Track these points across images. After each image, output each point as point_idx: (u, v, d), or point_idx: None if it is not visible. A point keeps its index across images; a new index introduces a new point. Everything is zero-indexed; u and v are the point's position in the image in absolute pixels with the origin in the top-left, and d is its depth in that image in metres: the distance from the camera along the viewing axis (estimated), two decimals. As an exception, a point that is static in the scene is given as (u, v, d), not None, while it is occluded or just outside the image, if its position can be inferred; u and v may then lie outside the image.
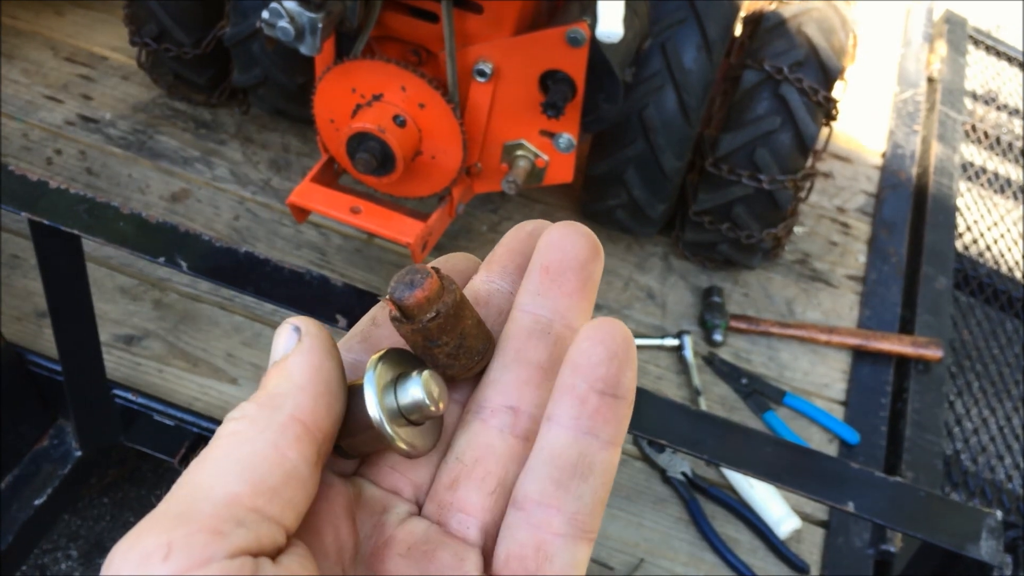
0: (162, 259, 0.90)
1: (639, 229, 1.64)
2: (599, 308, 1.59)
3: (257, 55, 1.54)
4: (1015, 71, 2.48)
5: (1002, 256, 1.94)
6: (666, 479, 1.39)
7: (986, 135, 2.22)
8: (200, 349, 1.41)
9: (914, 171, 2.02)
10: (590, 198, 1.61)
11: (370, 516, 0.33)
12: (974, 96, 2.32)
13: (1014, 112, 2.34)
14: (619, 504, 1.36)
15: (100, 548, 1.71)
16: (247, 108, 1.76)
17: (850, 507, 0.84)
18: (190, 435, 1.33)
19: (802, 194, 1.55)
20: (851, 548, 1.35)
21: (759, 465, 0.85)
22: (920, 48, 2.37)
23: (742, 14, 1.59)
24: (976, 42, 2.49)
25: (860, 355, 1.61)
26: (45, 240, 0.96)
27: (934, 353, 1.58)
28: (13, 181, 0.93)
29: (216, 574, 0.26)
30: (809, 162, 1.53)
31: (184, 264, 0.90)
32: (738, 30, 1.62)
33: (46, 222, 0.91)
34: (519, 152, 1.35)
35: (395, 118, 1.27)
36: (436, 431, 0.34)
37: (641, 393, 0.90)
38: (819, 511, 1.40)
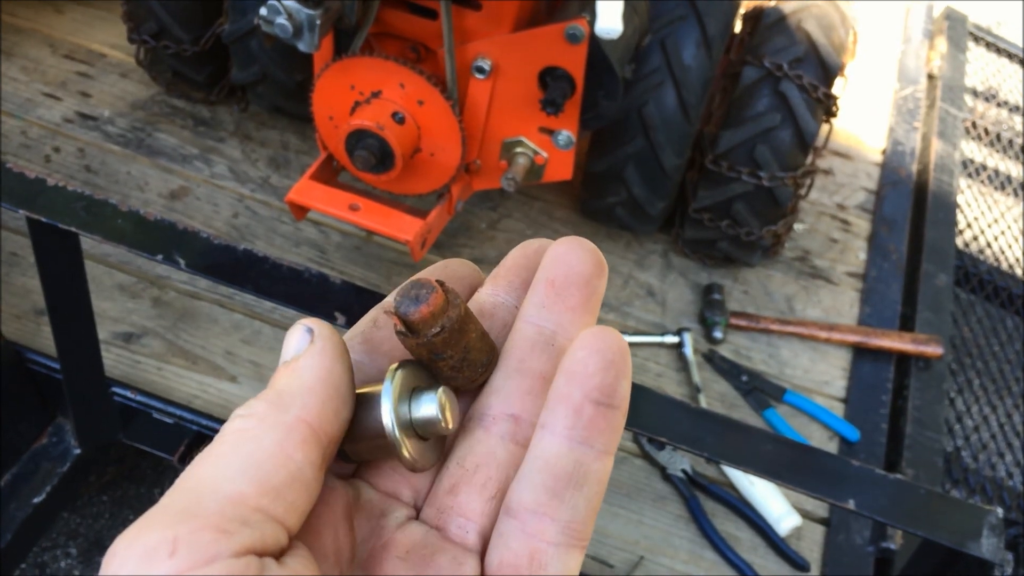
0: (160, 257, 0.90)
1: (639, 226, 1.64)
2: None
3: (256, 52, 1.54)
4: (1015, 68, 2.47)
5: (1002, 253, 1.94)
6: (666, 477, 1.39)
7: (986, 132, 2.22)
8: (199, 347, 1.41)
9: (914, 168, 2.02)
10: (589, 195, 1.61)
11: (368, 519, 0.33)
12: (974, 93, 2.32)
13: (1014, 109, 2.33)
14: (619, 502, 1.36)
15: (99, 546, 1.70)
16: (246, 105, 1.76)
17: (851, 504, 0.84)
18: (189, 433, 1.33)
19: (802, 191, 1.55)
20: (852, 546, 1.35)
21: (759, 462, 0.85)
22: (920, 45, 2.36)
23: (742, 11, 1.59)
24: (976, 39, 2.48)
25: (860, 352, 1.61)
26: (43, 238, 0.96)
27: (934, 350, 1.58)
28: (11, 178, 0.93)
29: (221, 573, 0.26)
30: (809, 159, 1.53)
31: (182, 262, 0.90)
32: (738, 27, 1.61)
33: (44, 219, 0.91)
34: (518, 149, 1.35)
35: (394, 115, 1.27)
36: (440, 447, 0.35)
37: (641, 390, 0.90)
38: (819, 508, 1.40)
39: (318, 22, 1.15)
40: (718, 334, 1.57)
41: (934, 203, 1.92)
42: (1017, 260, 1.93)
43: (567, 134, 1.31)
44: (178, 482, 0.29)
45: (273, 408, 0.30)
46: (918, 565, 0.97)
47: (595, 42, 1.22)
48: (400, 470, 0.35)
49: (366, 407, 0.33)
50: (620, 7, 1.14)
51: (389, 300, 0.36)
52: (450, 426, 0.33)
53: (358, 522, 0.33)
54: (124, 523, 1.73)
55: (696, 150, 1.55)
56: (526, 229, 1.70)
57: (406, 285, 0.32)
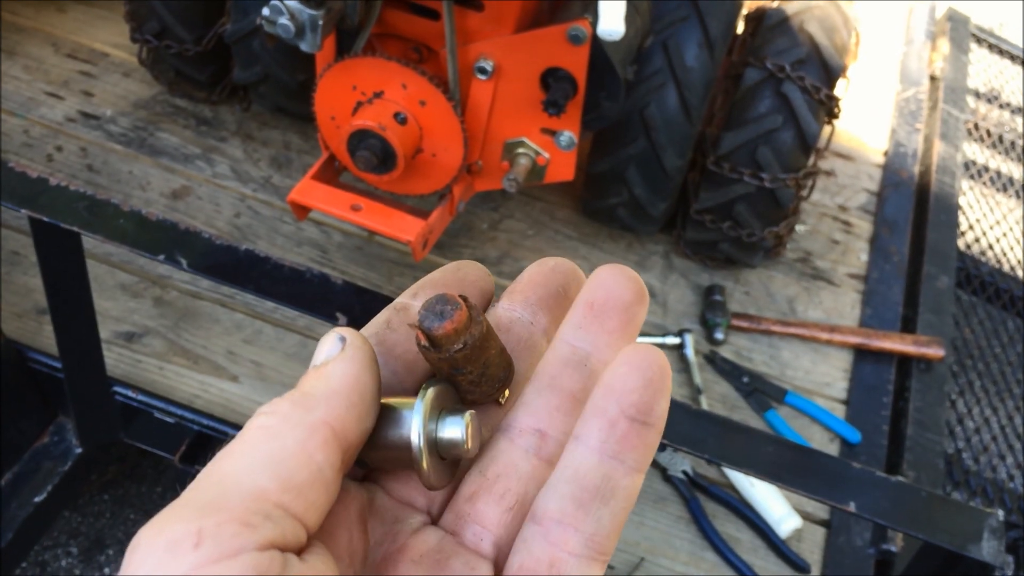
0: (162, 256, 0.90)
1: (640, 227, 1.64)
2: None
3: (258, 52, 1.54)
4: (1017, 69, 2.47)
5: (1004, 255, 1.94)
6: (667, 478, 1.39)
7: (988, 134, 2.21)
8: (200, 346, 1.41)
9: (916, 169, 2.02)
10: (591, 196, 1.61)
11: (381, 523, 0.34)
12: (976, 94, 2.32)
13: (1016, 111, 2.33)
14: (620, 503, 1.35)
15: (100, 545, 1.71)
16: (248, 105, 1.76)
17: (851, 507, 0.84)
18: (190, 432, 1.33)
19: (804, 192, 1.55)
20: (852, 548, 1.35)
21: (760, 464, 0.85)
22: (922, 46, 2.36)
23: (744, 12, 1.59)
24: (979, 40, 2.48)
25: (862, 354, 1.61)
26: (45, 237, 0.96)
27: (936, 352, 1.58)
28: (13, 178, 0.93)
29: (245, 566, 0.26)
30: (811, 160, 1.53)
31: (184, 262, 0.90)
32: (740, 28, 1.61)
33: (46, 219, 0.91)
34: (520, 150, 1.35)
35: (396, 115, 1.27)
36: (455, 468, 0.35)
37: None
38: (820, 510, 1.40)
39: (320, 22, 1.15)
40: (719, 335, 1.57)
41: (936, 205, 1.91)
42: (1019, 262, 1.93)
43: (569, 135, 1.31)
44: (200, 476, 0.29)
45: (298, 408, 0.30)
46: (918, 567, 0.97)
47: (597, 43, 1.22)
48: (416, 479, 0.35)
49: (391, 418, 0.33)
50: (622, 8, 1.14)
51: (400, 301, 0.36)
52: (472, 450, 0.33)
53: (372, 525, 0.33)
54: (125, 522, 1.73)
55: (698, 151, 1.55)
56: (527, 230, 1.70)
57: (431, 300, 0.33)
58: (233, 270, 0.91)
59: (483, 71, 1.27)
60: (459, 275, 0.38)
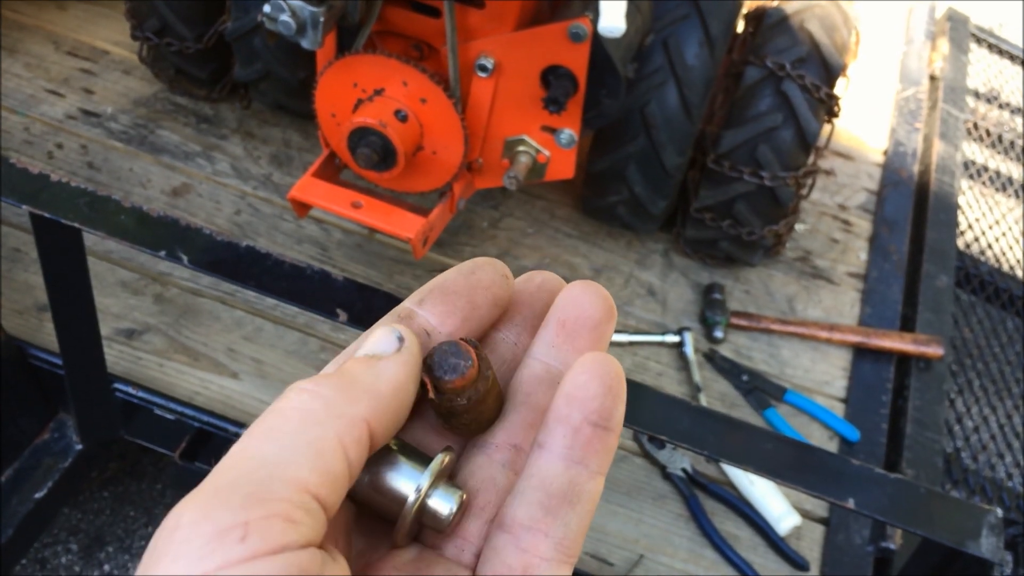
0: (163, 253, 0.90)
1: (640, 225, 1.64)
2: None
3: (258, 50, 1.54)
4: (1017, 69, 2.47)
5: (1003, 254, 1.94)
6: (666, 475, 1.39)
7: (988, 133, 2.22)
8: (201, 343, 1.41)
9: (916, 169, 2.02)
10: (591, 194, 1.61)
11: (363, 535, 0.34)
12: (976, 94, 2.32)
13: (1016, 110, 2.33)
14: (619, 500, 1.36)
15: (100, 542, 1.71)
16: (248, 103, 1.76)
17: (850, 504, 0.84)
18: (191, 429, 1.33)
19: (803, 191, 1.55)
20: (851, 545, 1.35)
21: (759, 461, 0.85)
22: (922, 46, 2.36)
23: (744, 10, 1.59)
24: (978, 40, 2.48)
25: (861, 352, 1.61)
26: (46, 233, 0.96)
27: (935, 351, 1.58)
28: (14, 174, 0.93)
29: (289, 565, 0.26)
30: (811, 159, 1.53)
31: (185, 258, 0.90)
32: (740, 26, 1.61)
33: (47, 215, 0.91)
34: (520, 148, 1.35)
35: (396, 113, 1.27)
36: (415, 532, 0.35)
37: (641, 389, 0.90)
38: (819, 508, 1.40)
39: (321, 20, 1.15)
40: (719, 333, 1.57)
41: (935, 204, 1.92)
42: (1018, 262, 1.93)
43: (569, 133, 1.31)
44: (237, 451, 0.29)
45: (342, 396, 0.30)
46: (917, 564, 0.97)
47: (598, 41, 1.22)
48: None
49: (391, 463, 0.33)
50: (623, 6, 1.14)
51: (405, 306, 0.36)
52: (448, 527, 0.33)
53: (355, 537, 0.34)
54: (125, 519, 1.74)
55: (698, 149, 1.55)
56: (528, 228, 1.70)
57: (444, 348, 0.33)
58: (234, 266, 0.91)
59: (484, 69, 1.27)
60: (472, 280, 0.36)
